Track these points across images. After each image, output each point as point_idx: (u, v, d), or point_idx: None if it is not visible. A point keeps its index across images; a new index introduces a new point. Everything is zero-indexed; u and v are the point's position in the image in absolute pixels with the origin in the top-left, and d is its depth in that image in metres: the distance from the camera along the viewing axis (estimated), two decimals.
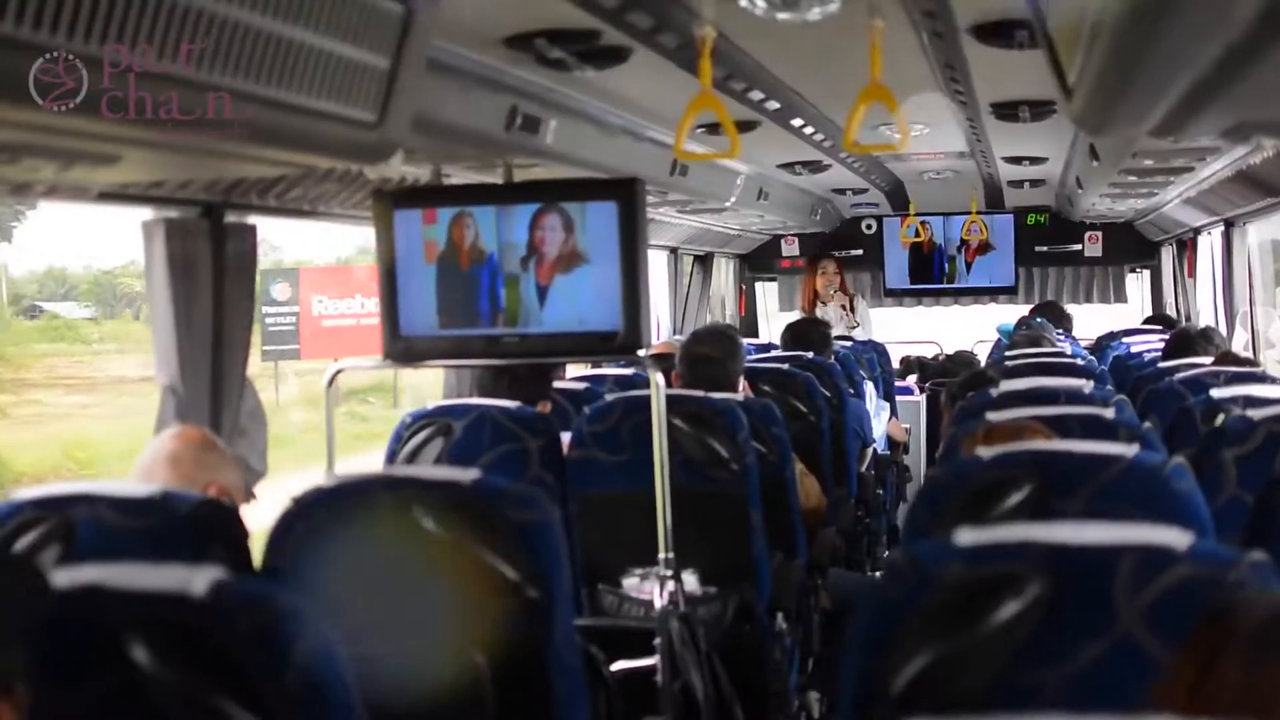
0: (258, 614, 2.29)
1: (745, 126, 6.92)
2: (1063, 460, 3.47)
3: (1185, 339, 8.40)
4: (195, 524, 3.50)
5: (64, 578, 2.33)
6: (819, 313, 12.59)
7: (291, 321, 30.25)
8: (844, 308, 12.78)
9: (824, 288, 12.80)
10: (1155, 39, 2.14)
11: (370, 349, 23.33)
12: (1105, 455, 3.45)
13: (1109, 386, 6.91)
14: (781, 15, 4.39)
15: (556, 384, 6.75)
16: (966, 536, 2.45)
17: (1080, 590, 2.37)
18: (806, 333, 9.41)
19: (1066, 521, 2.55)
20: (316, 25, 3.06)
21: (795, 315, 12.30)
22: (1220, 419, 5.02)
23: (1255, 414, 4.60)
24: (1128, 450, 3.46)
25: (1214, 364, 7.14)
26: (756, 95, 6.05)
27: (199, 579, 2.29)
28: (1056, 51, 3.04)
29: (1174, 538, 2.41)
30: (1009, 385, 5.56)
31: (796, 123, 7.13)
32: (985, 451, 3.53)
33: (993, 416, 4.43)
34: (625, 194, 4.63)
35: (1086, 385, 5.63)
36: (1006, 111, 6.81)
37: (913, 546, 2.61)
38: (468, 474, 3.55)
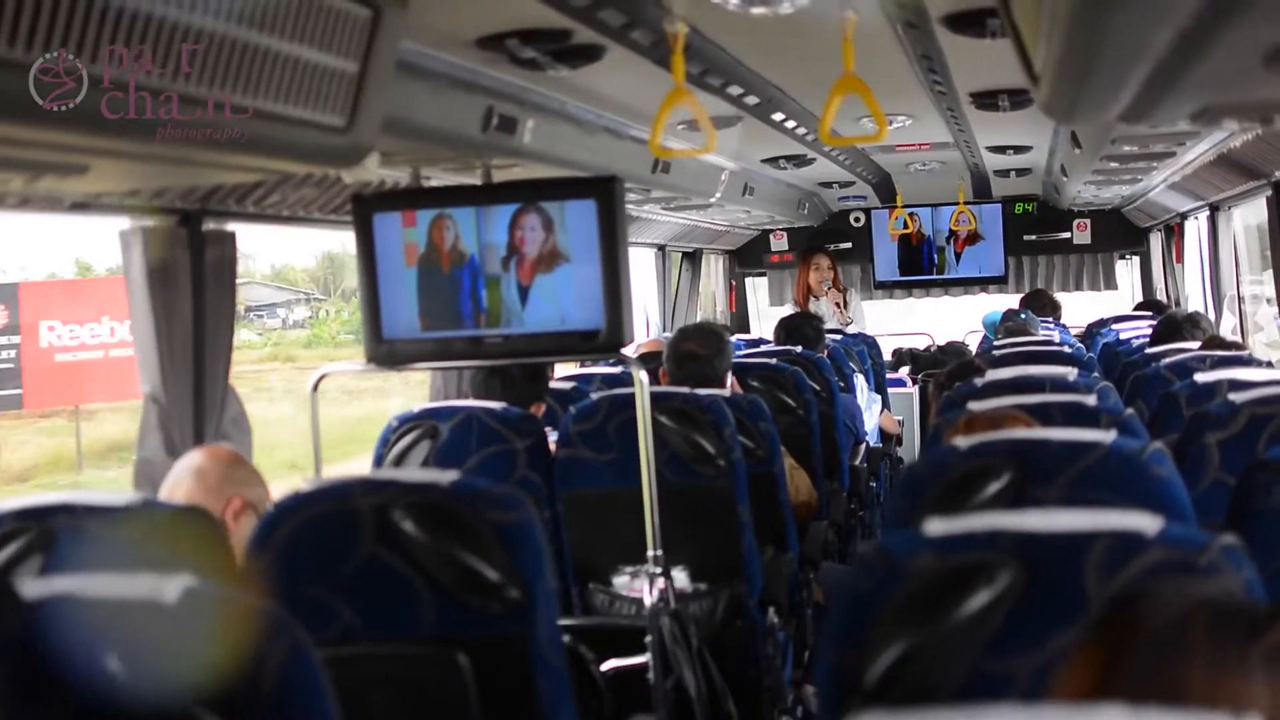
0: (228, 620, 2.29)
1: (725, 122, 6.92)
2: (1041, 448, 3.46)
3: (1172, 325, 8.41)
4: (177, 532, 3.50)
5: (35, 589, 2.32)
6: (812, 307, 12.59)
7: (10, 357, 21.92)
8: (837, 304, 12.77)
9: (817, 283, 12.78)
10: (1108, 25, 2.14)
11: (125, 390, 19.32)
12: (1083, 442, 3.45)
13: (1095, 374, 6.93)
14: (755, 10, 4.39)
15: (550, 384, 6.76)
16: (936, 527, 2.45)
17: (1051, 578, 2.37)
18: (800, 328, 9.42)
19: (1042, 509, 2.55)
20: (282, 31, 3.06)
21: (786, 310, 12.29)
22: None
23: (1237, 397, 4.60)
24: (1105, 437, 3.46)
25: (1201, 348, 7.14)
26: (735, 90, 6.05)
27: (170, 587, 2.29)
28: (1022, 39, 3.04)
29: (1144, 523, 2.41)
30: (995, 374, 5.56)
31: (777, 117, 7.12)
32: (963, 441, 3.53)
33: (975, 406, 4.44)
34: (604, 192, 4.63)
35: (1071, 373, 5.63)
36: (986, 101, 6.81)
37: (883, 538, 2.61)
38: (446, 476, 3.55)
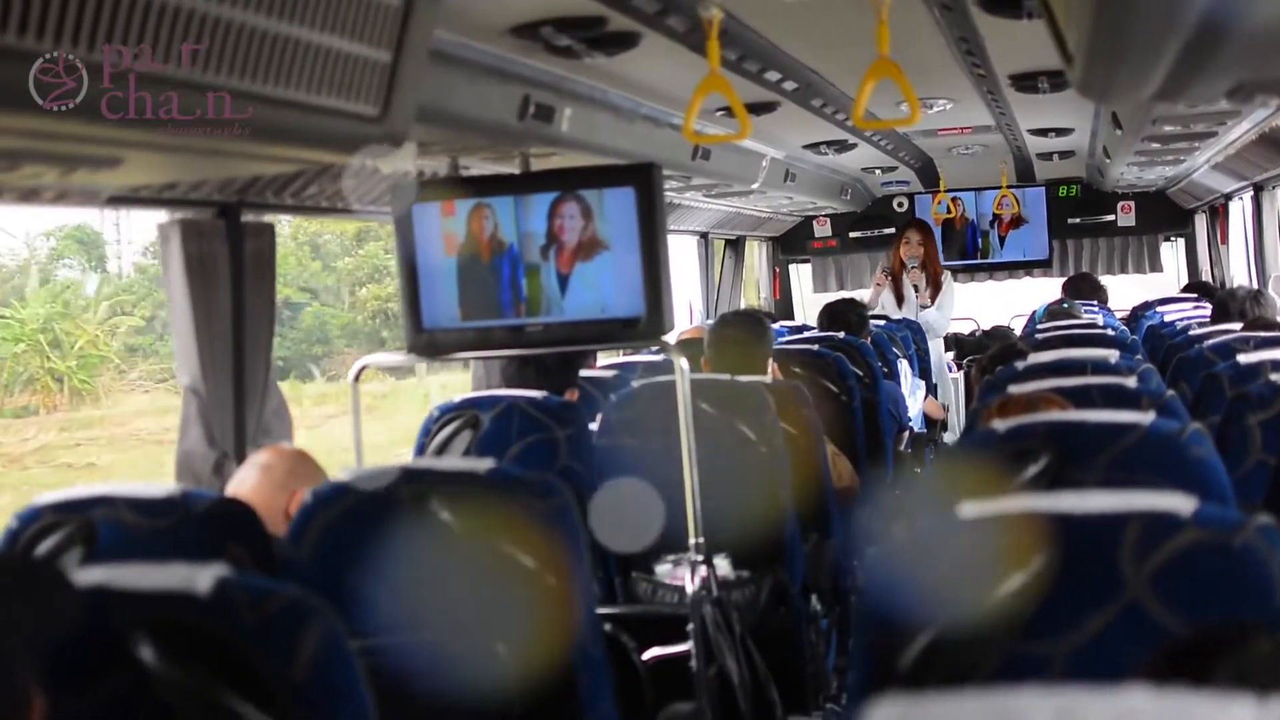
0: (262, 610, 2.29)
1: (764, 108, 6.90)
2: (1079, 430, 3.45)
3: (1225, 306, 8.41)
4: (213, 523, 3.51)
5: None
6: (902, 282, 12.55)
7: None
8: (916, 287, 12.70)
9: (908, 258, 12.71)
10: (1138, 2, 2.13)
11: None
12: (1121, 424, 3.43)
13: (1138, 356, 6.90)
14: None
15: (586, 372, 6.75)
16: (970, 510, 2.44)
17: (1086, 559, 2.36)
18: (843, 314, 9.39)
19: (1080, 491, 2.54)
20: (314, 21, 3.06)
21: (831, 297, 12.25)
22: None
23: None
24: (1144, 418, 3.45)
25: (1244, 329, 7.11)
26: (773, 76, 6.03)
27: (203, 577, 2.29)
28: (1055, 18, 3.03)
29: (1179, 503, 2.39)
30: (1036, 358, 5.54)
31: (816, 102, 7.10)
32: (1001, 424, 3.52)
33: (1015, 389, 4.42)
34: (643, 179, 4.61)
35: (1113, 355, 5.61)
36: (1026, 83, 6.79)
37: (918, 522, 2.60)
38: (483, 464, 3.55)
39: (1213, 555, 2.32)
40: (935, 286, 12.68)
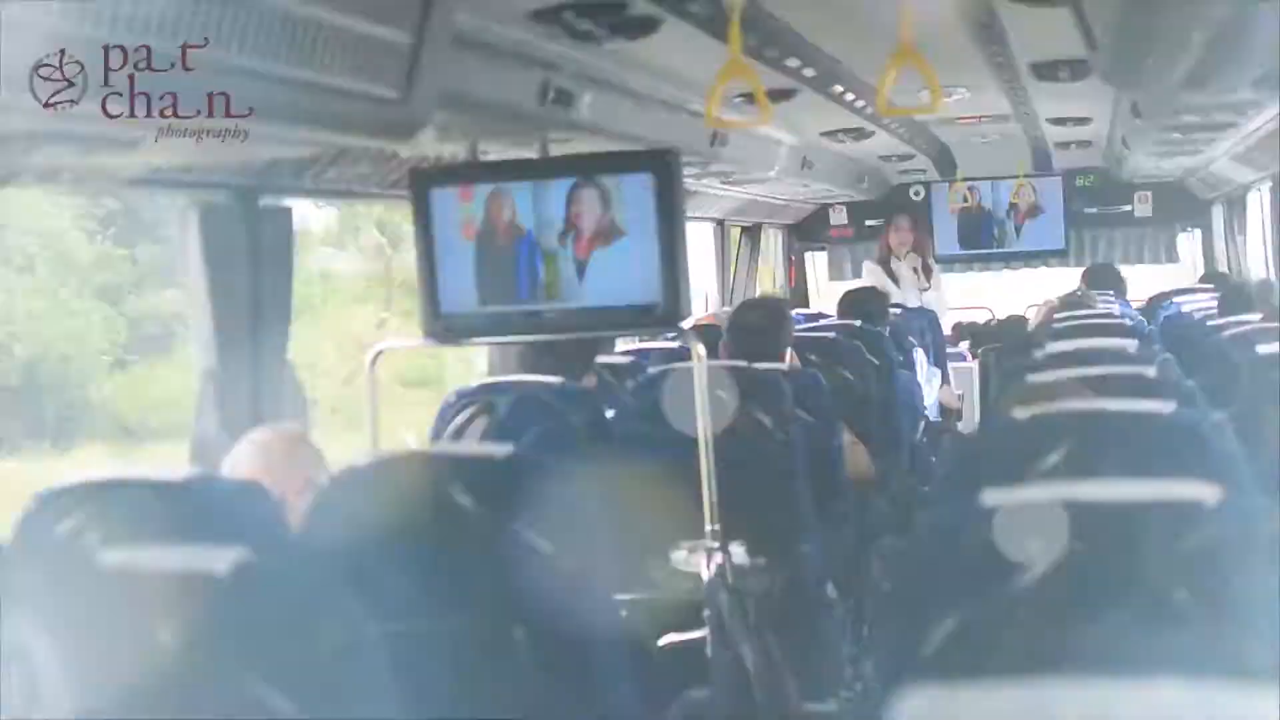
0: (283, 593, 2.28)
1: (783, 95, 6.89)
2: (1100, 419, 3.44)
3: (1238, 297, 8.39)
4: (232, 507, 3.50)
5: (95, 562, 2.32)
6: (893, 267, 12.54)
7: None
8: (915, 270, 12.69)
9: (897, 244, 12.71)
10: None
11: None
12: (1142, 413, 3.42)
13: (1156, 347, 6.88)
14: None
15: (603, 359, 6.74)
16: (993, 497, 2.43)
17: (1111, 547, 2.35)
18: (864, 302, 9.36)
19: (1101, 479, 2.52)
20: (334, 3, 3.05)
21: (846, 285, 12.23)
22: None
23: None
24: (1165, 408, 3.43)
25: (1262, 320, 7.09)
26: (793, 62, 6.02)
27: (223, 559, 2.28)
28: (1081, 5, 3.01)
29: (1204, 492, 2.38)
30: (1054, 347, 5.52)
31: (836, 89, 7.10)
32: (1021, 412, 3.50)
33: (1034, 378, 4.40)
34: (661, 165, 4.60)
35: (1131, 345, 5.59)
36: (1046, 71, 6.78)
37: (941, 510, 2.59)
38: (501, 449, 3.54)
39: (1239, 546, 2.30)
40: (927, 271, 12.71)
